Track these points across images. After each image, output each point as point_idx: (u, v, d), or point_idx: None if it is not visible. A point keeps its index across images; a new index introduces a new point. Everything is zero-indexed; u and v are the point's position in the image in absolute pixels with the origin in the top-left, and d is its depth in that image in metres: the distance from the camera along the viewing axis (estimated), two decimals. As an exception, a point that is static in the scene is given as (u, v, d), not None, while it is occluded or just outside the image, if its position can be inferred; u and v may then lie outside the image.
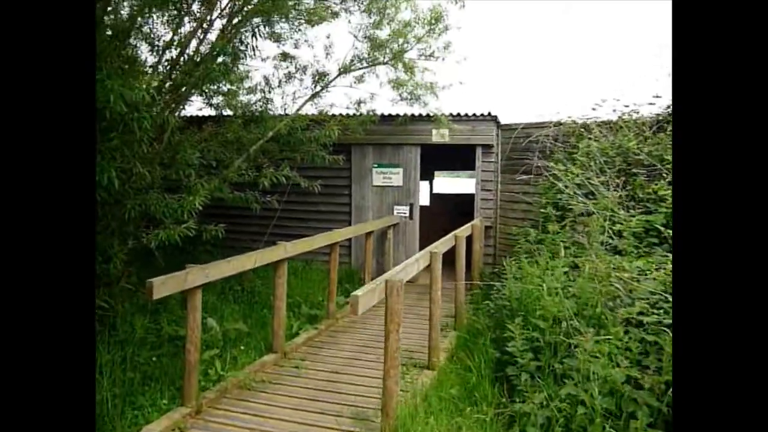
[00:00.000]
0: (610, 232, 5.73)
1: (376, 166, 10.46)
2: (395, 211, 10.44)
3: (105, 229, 5.14)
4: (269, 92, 7.90)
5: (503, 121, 10.05)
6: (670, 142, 6.88)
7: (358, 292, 3.79)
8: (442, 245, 6.43)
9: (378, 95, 9.14)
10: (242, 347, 6.03)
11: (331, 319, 7.62)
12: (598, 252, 5.45)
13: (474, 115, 9.91)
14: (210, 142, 6.27)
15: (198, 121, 8.12)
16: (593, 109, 8.43)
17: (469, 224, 8.69)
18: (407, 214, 10.42)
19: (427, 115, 10.04)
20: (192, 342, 4.66)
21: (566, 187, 7.22)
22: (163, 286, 4.14)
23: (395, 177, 10.42)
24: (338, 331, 7.30)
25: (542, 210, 7.49)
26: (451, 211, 12.63)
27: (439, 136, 9.91)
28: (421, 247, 10.58)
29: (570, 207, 6.88)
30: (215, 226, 5.64)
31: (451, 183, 16.94)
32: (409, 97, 8.71)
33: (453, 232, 7.45)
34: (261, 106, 7.62)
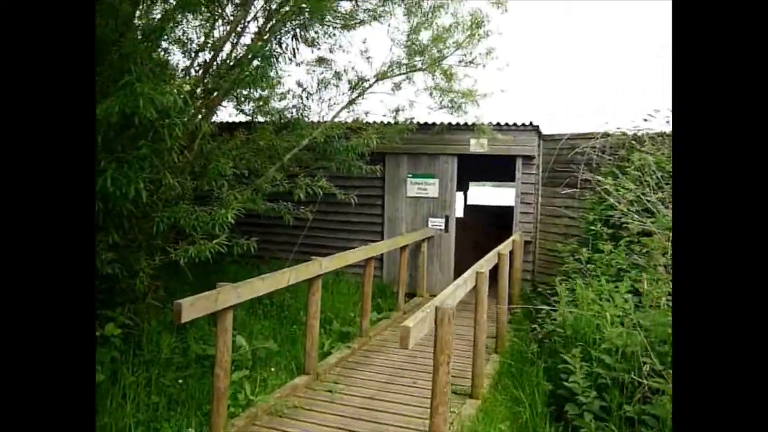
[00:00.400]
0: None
1: (410, 176, 10.08)
2: (430, 224, 10.04)
3: (131, 242, 4.84)
4: (307, 98, 7.56)
5: (545, 131, 9.59)
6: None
7: (409, 323, 3.39)
8: (486, 263, 6.00)
9: (416, 102, 8.73)
10: (272, 368, 5.67)
11: (364, 337, 7.23)
12: (661, 276, 4.98)
13: (515, 124, 9.47)
14: (242, 150, 5.95)
15: (228, 127, 7.84)
16: (645, 120, 7.92)
17: (509, 239, 8.24)
18: (442, 227, 10.01)
19: (465, 123, 9.64)
20: (221, 366, 4.32)
21: (618, 202, 6.74)
22: (192, 307, 3.80)
23: (430, 188, 10.02)
24: (371, 350, 6.90)
25: (591, 227, 7.01)
26: (485, 224, 12.18)
27: (479, 146, 9.48)
28: (456, 262, 10.18)
29: (624, 224, 6.40)
30: (247, 240, 5.30)
31: (485, 193, 16.48)
32: (449, 105, 8.31)
33: (496, 249, 7.02)
34: (297, 113, 7.27)
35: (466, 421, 4.63)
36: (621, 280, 5.34)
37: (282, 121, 7.09)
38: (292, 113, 7.14)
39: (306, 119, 7.27)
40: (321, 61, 8.23)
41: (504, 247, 7.37)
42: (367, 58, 8.29)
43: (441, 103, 8.34)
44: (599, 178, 7.54)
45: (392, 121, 8.76)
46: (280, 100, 7.95)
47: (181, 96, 3.89)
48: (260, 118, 7.49)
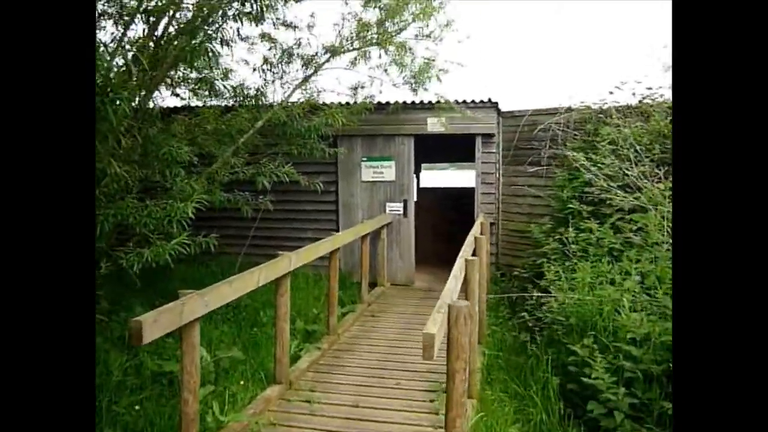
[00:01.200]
0: (669, 231, 4.95)
1: (365, 159, 9.48)
2: (387, 209, 9.50)
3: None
4: (262, 78, 6.74)
5: (504, 108, 9.21)
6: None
7: (432, 328, 2.85)
8: (469, 249, 5.55)
9: (376, 79, 8.09)
10: (241, 381, 5.00)
11: (332, 336, 6.64)
12: (662, 255, 4.66)
13: (473, 101, 9.04)
14: (193, 133, 5.15)
15: (166, 113, 6.95)
16: (611, 92, 7.68)
17: (477, 222, 7.84)
18: (401, 212, 9.49)
19: (422, 102, 9.13)
20: (189, 388, 3.63)
21: (596, 178, 6.44)
22: (156, 324, 3.09)
23: (387, 171, 9.47)
24: (343, 350, 6.33)
25: (568, 205, 6.69)
26: (442, 207, 11.76)
27: (437, 125, 9.00)
28: (417, 248, 9.71)
29: (605, 201, 6.10)
30: (204, 237, 4.57)
31: (435, 176, 16.10)
32: (411, 80, 7.73)
33: (471, 233, 6.57)
34: (252, 91, 6.45)
35: (470, 424, 4.16)
36: (616, 261, 4.99)
37: (238, 100, 6.24)
38: (248, 91, 6.29)
39: (264, 98, 6.47)
40: (265, 36, 7.46)
41: (477, 231, 6.95)
42: (315, 34, 7.59)
43: (403, 78, 7.73)
44: (570, 153, 7.25)
45: (351, 101, 8.09)
46: (223, 80, 7.11)
47: (122, 66, 3.13)
48: (208, 101, 6.61)
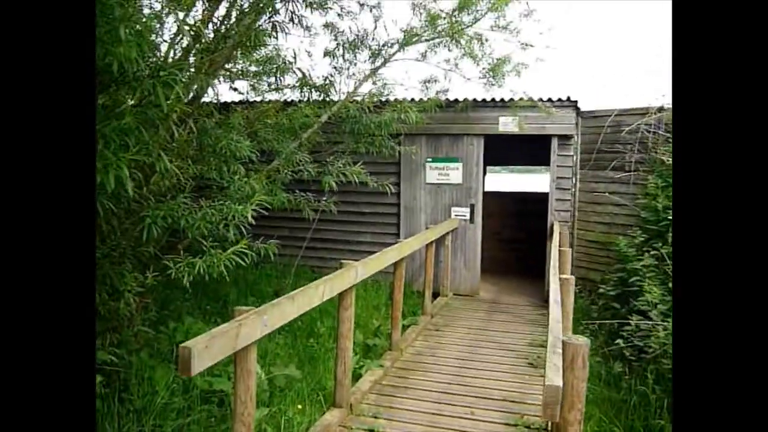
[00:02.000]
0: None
1: (430, 160, 8.87)
2: (453, 214, 8.86)
3: (112, 251, 3.54)
4: (333, 62, 6.22)
5: (583, 107, 8.42)
6: None
7: (556, 379, 2.22)
8: (560, 265, 4.87)
9: (439, 74, 7.47)
10: (299, 405, 4.48)
11: (394, 351, 6.07)
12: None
13: (550, 99, 8.30)
14: (254, 127, 4.66)
15: (222, 107, 6.51)
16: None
17: (556, 232, 7.12)
18: (467, 217, 8.83)
19: (492, 99, 8.45)
20: (243, 421, 3.12)
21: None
22: (207, 352, 2.57)
23: (453, 173, 8.83)
24: (407, 368, 5.74)
25: (663, 215, 5.90)
26: (509, 213, 11.00)
27: (512, 124, 8.29)
28: (483, 255, 9.03)
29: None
30: (263, 243, 4.06)
31: (502, 180, 15.33)
32: (488, 75, 7.06)
33: (553, 244, 5.87)
34: (321, 81, 5.90)
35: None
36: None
37: (304, 92, 5.65)
38: (315, 81, 5.73)
39: (332, 89, 5.90)
40: (329, 26, 6.95)
41: (557, 242, 6.24)
42: (381, 25, 7.02)
43: (480, 72, 7.05)
44: (666, 158, 6.46)
45: (422, 96, 7.43)
46: (284, 72, 6.61)
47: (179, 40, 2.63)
48: (267, 96, 6.12)
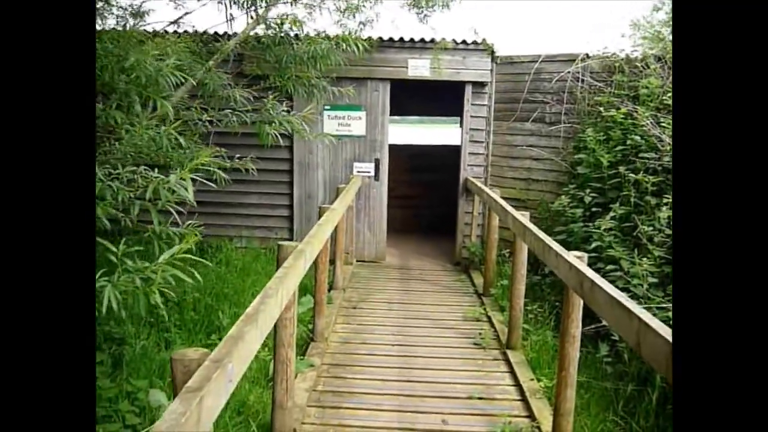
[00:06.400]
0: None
1: (328, 108, 7.62)
2: (355, 170, 7.77)
3: None
4: None
5: (500, 52, 7.66)
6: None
7: None
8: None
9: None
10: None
11: (319, 342, 5.01)
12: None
13: (464, 42, 7.42)
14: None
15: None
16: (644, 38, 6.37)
17: (488, 191, 6.38)
18: (372, 174, 7.80)
19: (401, 39, 7.39)
20: None
21: (659, 140, 5.17)
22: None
23: (355, 123, 7.70)
24: (341, 364, 4.69)
25: (609, 172, 5.38)
26: (413, 169, 10.07)
27: (424, 68, 7.30)
28: (389, 215, 8.08)
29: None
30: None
31: (399, 131, 14.32)
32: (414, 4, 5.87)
33: (491, 194, 5.09)
34: None
35: None
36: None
37: None
38: None
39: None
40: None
41: (482, 189, 5.48)
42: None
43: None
44: (606, 109, 5.95)
45: (340, 31, 5.92)
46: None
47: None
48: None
